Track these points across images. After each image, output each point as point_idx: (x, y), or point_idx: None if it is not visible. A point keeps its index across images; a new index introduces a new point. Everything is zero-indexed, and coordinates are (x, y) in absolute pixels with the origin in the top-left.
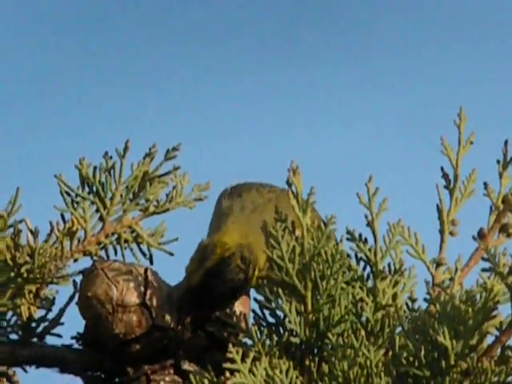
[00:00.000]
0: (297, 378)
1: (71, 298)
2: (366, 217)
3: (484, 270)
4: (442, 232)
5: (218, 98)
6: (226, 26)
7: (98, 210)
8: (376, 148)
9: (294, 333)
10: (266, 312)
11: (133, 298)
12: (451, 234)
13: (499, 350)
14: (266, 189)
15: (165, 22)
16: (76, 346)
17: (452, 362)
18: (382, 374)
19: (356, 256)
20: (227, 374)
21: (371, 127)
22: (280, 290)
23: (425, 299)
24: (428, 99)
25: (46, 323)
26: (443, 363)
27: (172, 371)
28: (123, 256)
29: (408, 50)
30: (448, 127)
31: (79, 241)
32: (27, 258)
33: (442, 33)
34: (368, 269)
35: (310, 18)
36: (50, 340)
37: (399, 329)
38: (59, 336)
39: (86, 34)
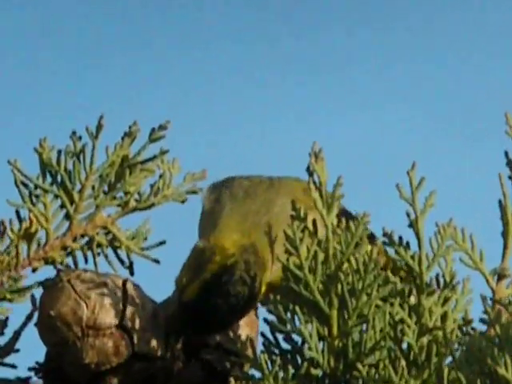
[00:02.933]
0: None
1: (29, 318)
2: (409, 215)
3: None
4: (505, 235)
5: (217, 69)
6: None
7: (63, 206)
8: (417, 131)
9: (316, 363)
10: (280, 336)
11: (108, 319)
12: None
13: None
14: (255, 176)
15: None
16: (35, 379)
17: None
18: None
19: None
20: None
21: (411, 107)
22: (297, 308)
23: (481, 320)
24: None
25: None
26: None
27: None
28: (95, 264)
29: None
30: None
31: (39, 245)
32: None
33: None
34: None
35: None
36: (1, 372)
37: (449, 358)
38: (13, 367)
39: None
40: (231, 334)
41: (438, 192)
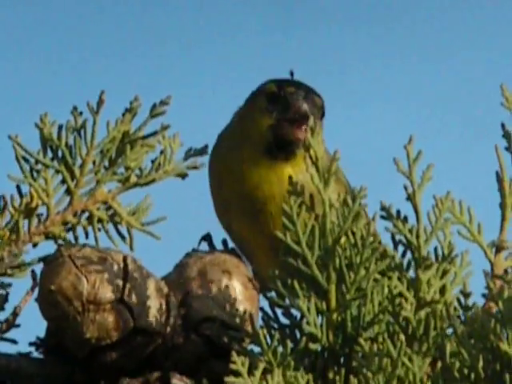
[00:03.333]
0: None
1: (29, 293)
2: (406, 188)
3: None
4: (503, 207)
5: (220, 63)
6: None
7: (64, 181)
8: (416, 106)
9: (314, 337)
10: (278, 311)
11: (108, 294)
12: None
13: None
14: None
15: None
16: (36, 354)
17: None
18: None
19: (393, 239)
20: None
21: (409, 99)
22: (296, 283)
23: (483, 294)
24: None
25: None
26: (507, 377)
27: None
28: (96, 240)
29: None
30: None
31: (40, 220)
32: None
33: None
34: (409, 255)
35: None
36: (2, 347)
37: (449, 331)
38: (14, 342)
39: None
40: (230, 309)
41: (435, 165)
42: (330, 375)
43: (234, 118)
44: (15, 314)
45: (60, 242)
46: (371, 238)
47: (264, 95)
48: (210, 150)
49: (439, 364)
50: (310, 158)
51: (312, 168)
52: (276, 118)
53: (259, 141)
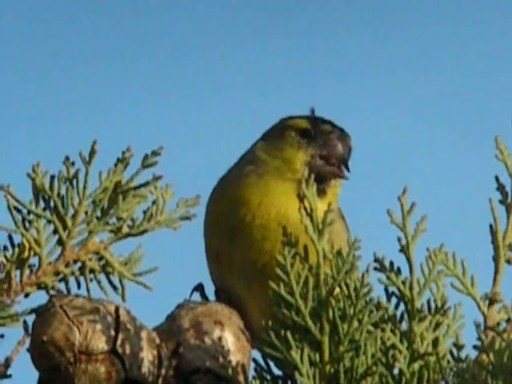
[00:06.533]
0: None
1: (21, 344)
2: (400, 240)
3: None
4: (496, 259)
5: (219, 83)
6: None
7: (56, 231)
8: (410, 149)
9: None
10: (271, 362)
11: (100, 344)
12: (508, 262)
13: None
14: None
15: None
16: None
17: None
18: None
19: (386, 290)
20: None
21: (406, 120)
22: (289, 334)
23: (475, 346)
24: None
25: None
26: None
27: None
28: (88, 290)
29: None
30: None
31: (32, 270)
32: None
33: None
34: (402, 307)
35: None
36: None
37: None
38: None
39: None
40: (222, 360)
41: (429, 217)
42: None
43: (253, 150)
44: (7, 364)
45: (52, 292)
46: (365, 290)
47: (294, 130)
48: (203, 200)
49: None
50: (305, 208)
51: (306, 219)
52: (311, 154)
53: (292, 175)
